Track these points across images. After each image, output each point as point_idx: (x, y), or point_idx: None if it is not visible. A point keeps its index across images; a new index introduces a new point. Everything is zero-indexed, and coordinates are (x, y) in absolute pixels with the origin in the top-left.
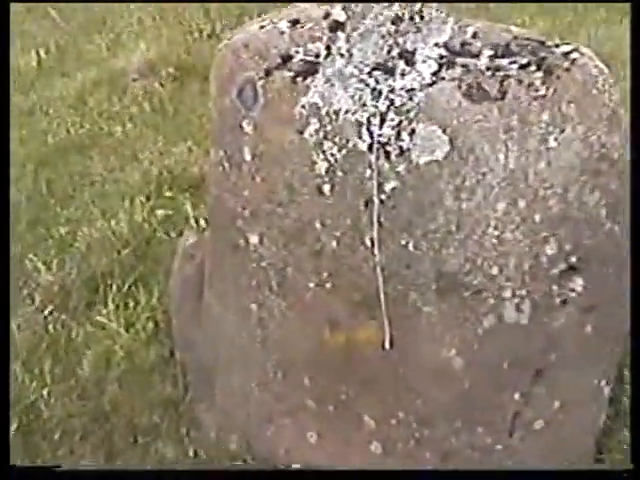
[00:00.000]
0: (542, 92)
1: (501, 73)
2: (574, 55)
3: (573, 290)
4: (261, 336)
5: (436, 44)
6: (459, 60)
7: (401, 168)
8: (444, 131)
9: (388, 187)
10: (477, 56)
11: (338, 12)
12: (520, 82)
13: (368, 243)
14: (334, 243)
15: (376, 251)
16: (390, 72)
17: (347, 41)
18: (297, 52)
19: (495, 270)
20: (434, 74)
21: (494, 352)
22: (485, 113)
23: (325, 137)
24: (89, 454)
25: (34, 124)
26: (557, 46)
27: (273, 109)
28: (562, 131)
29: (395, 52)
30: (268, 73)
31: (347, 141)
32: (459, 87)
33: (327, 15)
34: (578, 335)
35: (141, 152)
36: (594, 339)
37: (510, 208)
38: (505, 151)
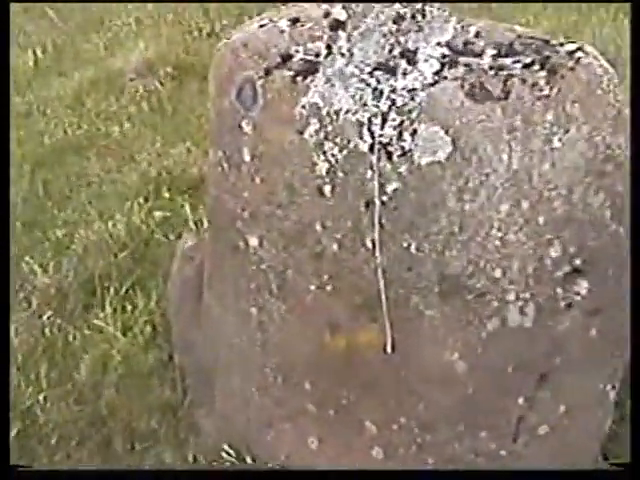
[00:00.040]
0: (546, 92)
1: (504, 72)
2: (579, 54)
3: (578, 293)
4: (261, 339)
5: (438, 43)
6: (462, 59)
7: (403, 169)
8: (446, 131)
9: (390, 188)
10: (480, 55)
11: (339, 11)
12: (524, 82)
13: (369, 245)
14: (335, 245)
15: (377, 253)
16: (392, 71)
17: (348, 40)
18: (297, 51)
19: (498, 273)
20: (436, 73)
21: (498, 356)
22: (488, 113)
23: (326, 137)
24: (86, 460)
25: (31, 125)
26: (561, 45)
27: (273, 109)
28: (566, 131)
29: (397, 51)
30: (268, 73)
31: (348, 142)
32: (462, 87)
33: (327, 14)
34: (583, 339)
35: (139, 153)
36: (599, 343)
37: (514, 209)
38: (508, 152)
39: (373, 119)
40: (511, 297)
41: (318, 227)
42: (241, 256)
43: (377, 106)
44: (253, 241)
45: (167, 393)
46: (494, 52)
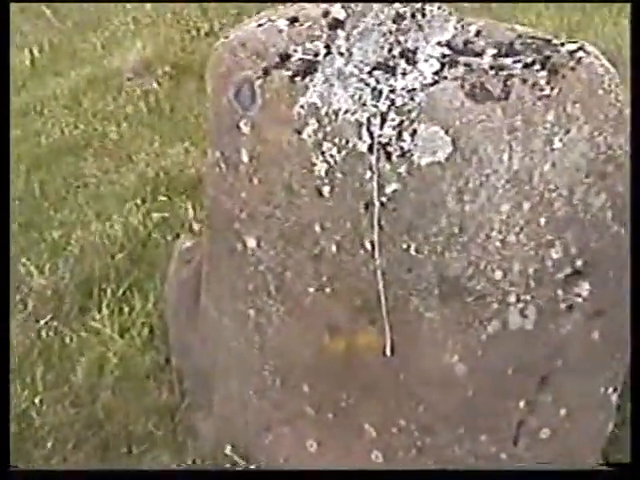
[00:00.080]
0: (547, 92)
1: (505, 72)
2: (580, 54)
3: (579, 295)
4: (259, 342)
5: (438, 43)
6: (462, 59)
7: (402, 170)
8: (446, 132)
9: (389, 189)
10: (480, 55)
11: (338, 10)
12: (524, 81)
13: (368, 246)
14: (334, 247)
15: (377, 255)
16: (391, 71)
17: (347, 40)
18: (296, 51)
19: (499, 274)
20: (436, 73)
21: (498, 358)
22: (488, 113)
23: (324, 138)
24: (82, 463)
25: (27, 124)
26: (562, 44)
27: (271, 109)
28: (567, 132)
29: (396, 51)
30: (266, 72)
31: (347, 142)
32: (462, 87)
33: (326, 13)
34: (584, 341)
35: (137, 153)
36: (601, 345)
37: (514, 211)
38: (509, 152)
39: (372, 119)
40: (512, 299)
41: (317, 228)
42: (239, 257)
43: (376, 106)
44: (251, 242)
45: (164, 396)
46: (494, 52)
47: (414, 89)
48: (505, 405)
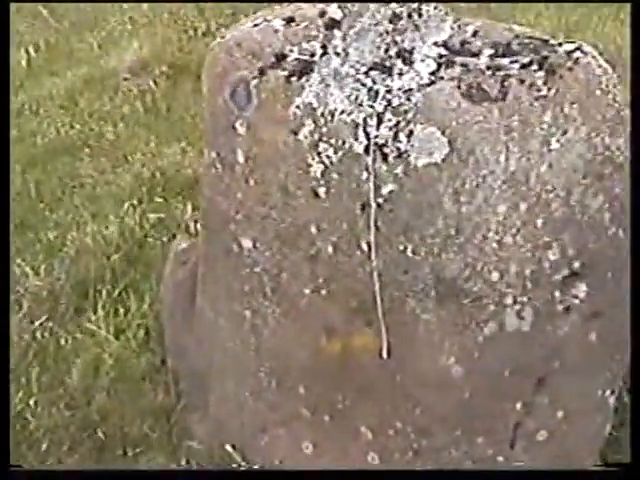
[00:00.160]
0: (544, 92)
1: (502, 73)
2: (577, 54)
3: (576, 296)
4: (255, 343)
5: (435, 43)
6: (458, 59)
7: (399, 170)
8: (443, 132)
9: (385, 190)
10: (477, 55)
11: (334, 10)
12: (521, 82)
13: (365, 248)
14: (330, 248)
15: (373, 256)
16: (387, 71)
17: (343, 40)
18: (292, 51)
19: (496, 276)
20: (433, 74)
21: (495, 360)
22: (485, 114)
23: (320, 138)
24: (77, 465)
25: (23, 124)
26: (560, 45)
27: (267, 109)
28: (564, 132)
29: (393, 51)
30: (262, 72)
31: (343, 143)
32: (458, 87)
33: (323, 13)
34: (582, 343)
35: (133, 153)
36: (598, 347)
37: (511, 212)
38: (506, 153)
39: (368, 120)
40: (508, 301)
41: (313, 229)
42: (235, 258)
43: (372, 107)
44: (247, 243)
45: (160, 397)
46: (491, 52)
47: (410, 89)
48: (502, 407)
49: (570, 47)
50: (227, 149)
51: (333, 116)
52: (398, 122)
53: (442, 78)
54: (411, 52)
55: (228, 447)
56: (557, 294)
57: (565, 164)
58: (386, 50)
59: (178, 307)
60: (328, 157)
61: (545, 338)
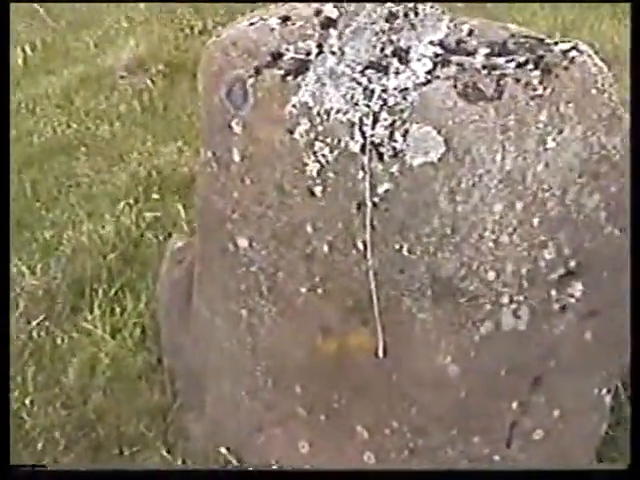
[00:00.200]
0: (540, 91)
1: (498, 72)
2: (573, 53)
3: (572, 296)
4: (251, 342)
5: (431, 42)
6: (454, 58)
7: (394, 170)
8: (439, 132)
9: (381, 189)
10: (473, 54)
11: (330, 9)
12: (517, 81)
13: (361, 247)
14: (326, 247)
15: (369, 255)
16: (383, 71)
17: (339, 39)
18: (288, 50)
19: (492, 275)
20: (429, 73)
21: (491, 359)
22: (481, 113)
23: (316, 138)
24: (73, 465)
25: (19, 123)
26: (556, 44)
27: (263, 108)
28: (560, 132)
29: (389, 50)
30: (258, 71)
31: (339, 142)
32: (454, 86)
33: (319, 12)
34: (578, 342)
35: (129, 152)
36: (594, 346)
37: (507, 211)
38: (502, 152)
39: (364, 119)
40: (505, 300)
41: (309, 228)
42: (231, 258)
43: (368, 106)
44: (243, 242)
45: (156, 397)
46: (487, 51)
47: (406, 88)
48: (498, 406)
49: (566, 46)
50: (223, 148)
51: (329, 115)
52: (394, 121)
53: (438, 77)
54: (407, 51)
55: (223, 449)
56: (553, 293)
57: (561, 163)
58: (382, 49)
59: (174, 306)
60: (324, 156)
61: (541, 337)
